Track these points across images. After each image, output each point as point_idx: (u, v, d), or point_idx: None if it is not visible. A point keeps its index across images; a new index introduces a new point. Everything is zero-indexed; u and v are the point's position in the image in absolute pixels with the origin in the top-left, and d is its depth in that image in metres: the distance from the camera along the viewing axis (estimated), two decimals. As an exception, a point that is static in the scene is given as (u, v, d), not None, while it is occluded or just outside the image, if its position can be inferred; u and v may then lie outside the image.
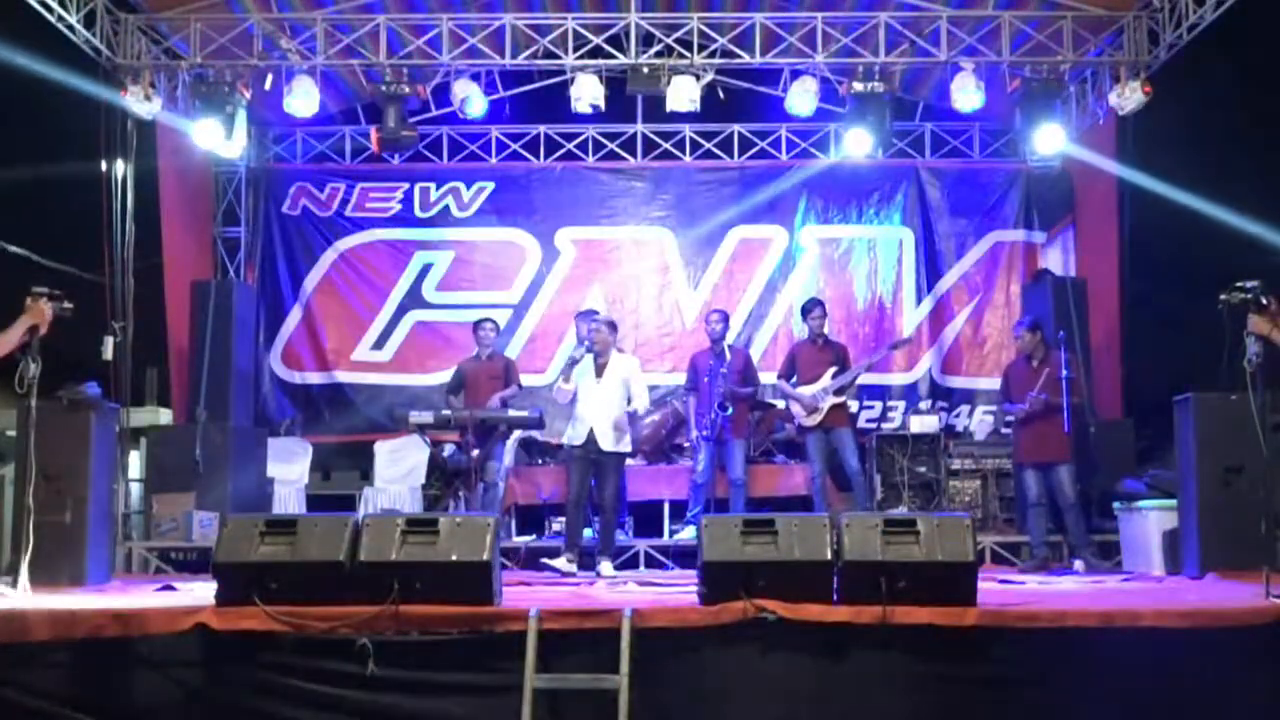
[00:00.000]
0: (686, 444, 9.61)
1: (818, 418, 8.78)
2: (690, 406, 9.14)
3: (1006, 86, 9.76)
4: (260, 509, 9.10)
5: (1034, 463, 8.24)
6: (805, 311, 9.18)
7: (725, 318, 9.02)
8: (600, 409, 7.78)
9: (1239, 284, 5.67)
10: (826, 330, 9.15)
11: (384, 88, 9.78)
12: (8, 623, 4.94)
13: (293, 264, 11.24)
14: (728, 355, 8.73)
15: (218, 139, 9.56)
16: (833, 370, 8.81)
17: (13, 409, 6.46)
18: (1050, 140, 9.90)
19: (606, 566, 7.75)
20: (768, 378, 10.73)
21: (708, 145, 11.36)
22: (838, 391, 8.75)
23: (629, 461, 9.41)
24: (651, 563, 8.59)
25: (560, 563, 7.71)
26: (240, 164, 11.09)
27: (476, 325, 9.20)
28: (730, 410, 8.49)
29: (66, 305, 5.88)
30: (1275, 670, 4.92)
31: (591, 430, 7.74)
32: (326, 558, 5.01)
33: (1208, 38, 8.86)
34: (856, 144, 9.88)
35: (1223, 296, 5.69)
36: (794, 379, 8.99)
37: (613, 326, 8.10)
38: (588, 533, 8.31)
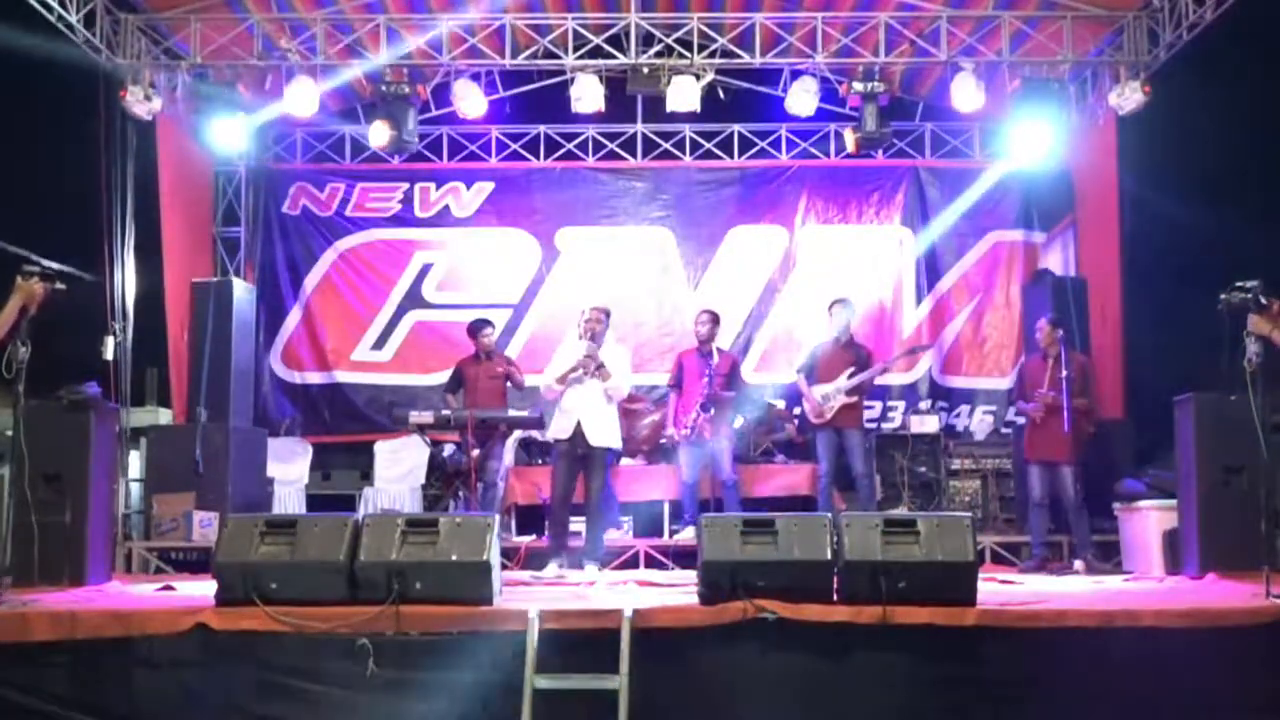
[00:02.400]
0: (664, 441, 9.54)
1: (827, 416, 8.76)
2: (671, 404, 9.09)
3: (1006, 86, 9.77)
4: (260, 509, 9.09)
5: (1040, 461, 8.22)
6: (829, 309, 9.08)
7: (714, 318, 8.96)
8: (588, 401, 7.51)
9: (1239, 284, 5.66)
10: (851, 330, 9.07)
11: (384, 88, 9.78)
12: (8, 623, 4.94)
13: (293, 264, 11.24)
14: (715, 357, 8.71)
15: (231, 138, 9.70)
16: (850, 371, 8.79)
17: (11, 408, 6.41)
18: (1038, 141, 9.93)
19: (592, 570, 7.45)
20: (767, 378, 10.77)
21: (708, 145, 11.35)
22: (850, 392, 8.73)
23: (626, 461, 9.42)
24: (651, 563, 8.59)
25: (550, 571, 7.43)
26: (240, 164, 11.10)
27: (474, 330, 9.16)
28: (712, 411, 8.48)
29: (59, 286, 5.70)
30: (1275, 670, 4.92)
31: (579, 423, 7.47)
32: (326, 558, 5.01)
33: (1207, 38, 8.87)
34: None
35: (1223, 296, 5.69)
36: (812, 376, 8.96)
37: (607, 314, 7.81)
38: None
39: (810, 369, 8.98)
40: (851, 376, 8.73)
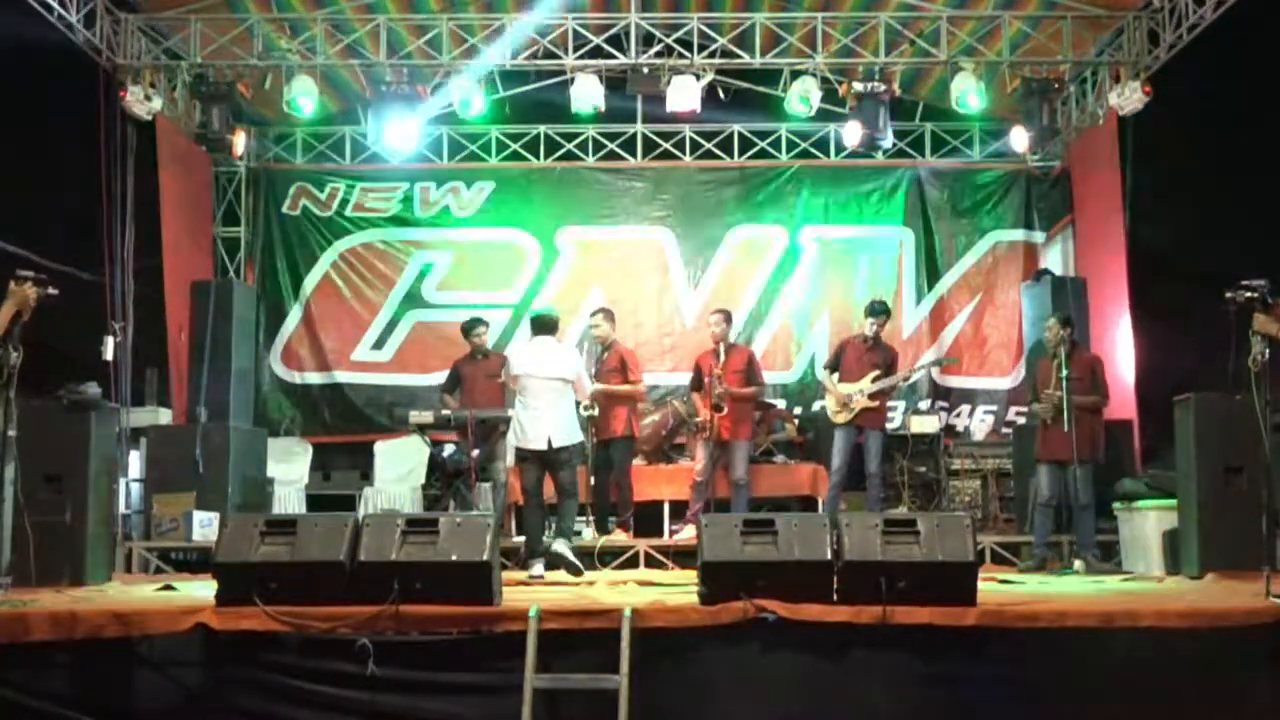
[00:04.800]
0: (681, 441, 9.60)
1: (848, 415, 8.78)
2: (695, 405, 9.12)
3: (1006, 86, 9.77)
4: (260, 509, 9.09)
5: (1051, 460, 8.21)
6: (871, 311, 9.04)
7: (726, 317, 8.99)
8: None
9: (1245, 283, 5.65)
10: (881, 334, 9.09)
11: (384, 88, 9.78)
12: (8, 623, 4.93)
13: (293, 264, 11.25)
14: (722, 355, 8.71)
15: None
16: (875, 374, 8.81)
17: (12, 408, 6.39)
18: (1038, 141, 9.98)
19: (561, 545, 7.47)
20: (767, 378, 10.74)
21: (708, 145, 11.35)
22: (873, 395, 8.76)
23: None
24: (651, 563, 8.58)
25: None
26: (240, 164, 11.10)
27: (468, 330, 9.16)
28: (724, 410, 8.47)
29: (51, 291, 5.70)
30: (1275, 670, 4.92)
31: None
32: (326, 558, 5.00)
33: (1208, 37, 8.87)
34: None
35: (1228, 295, 5.67)
36: (836, 373, 8.98)
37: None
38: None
39: (836, 365, 9.01)
40: (876, 380, 8.76)
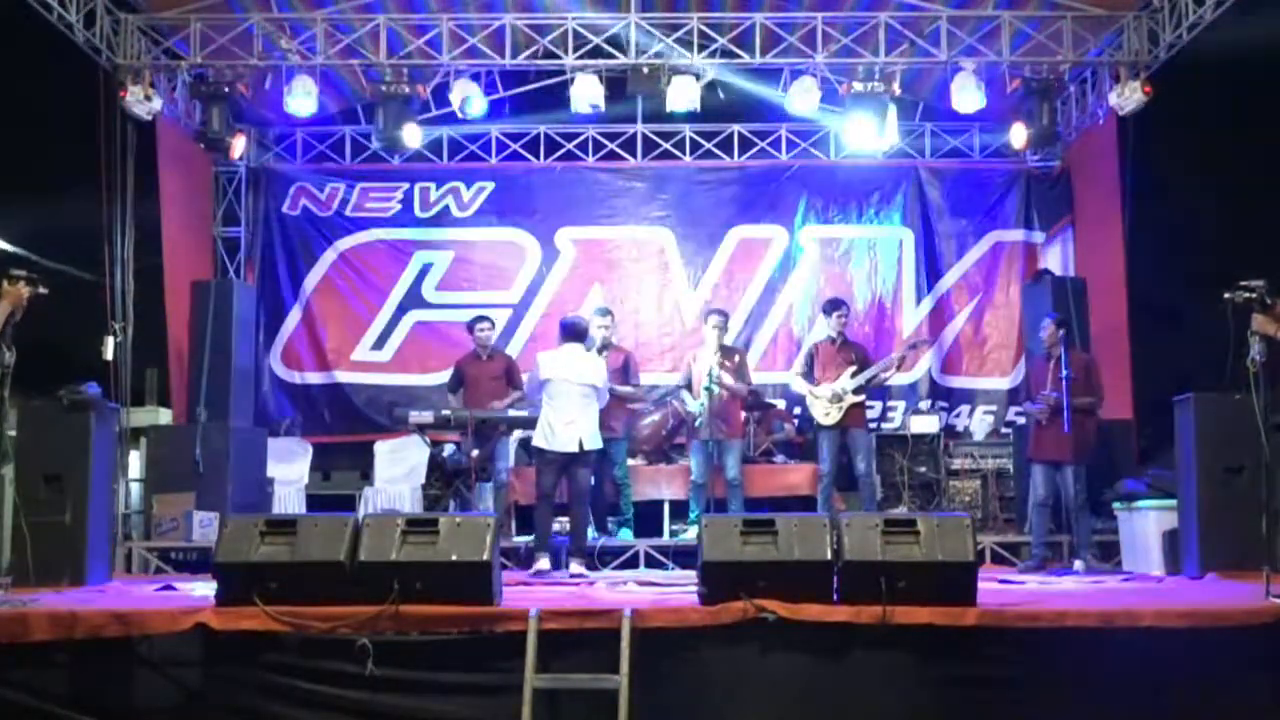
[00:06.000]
0: (681, 441, 9.61)
1: (836, 417, 8.77)
2: (687, 401, 9.11)
3: (1006, 86, 9.77)
4: (260, 509, 9.08)
5: (1044, 460, 8.22)
6: (831, 309, 9.08)
7: (725, 319, 8.98)
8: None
9: (1243, 283, 5.65)
10: (846, 330, 9.12)
11: (384, 88, 9.78)
12: (8, 623, 4.94)
13: (293, 264, 11.24)
14: (719, 355, 8.73)
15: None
16: (851, 370, 8.80)
17: (13, 408, 6.39)
18: (1037, 141, 9.97)
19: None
20: (767, 377, 10.76)
21: (708, 145, 11.35)
22: (857, 390, 8.76)
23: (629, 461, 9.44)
24: (651, 563, 8.59)
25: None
26: (240, 164, 11.10)
27: (472, 325, 9.19)
28: (715, 393, 8.47)
29: (42, 290, 5.75)
30: (1275, 670, 4.92)
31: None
32: (326, 558, 5.01)
33: (1207, 38, 8.87)
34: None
35: (1227, 295, 5.68)
36: (812, 377, 8.98)
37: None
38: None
39: (809, 371, 9.00)
40: (855, 375, 8.75)
